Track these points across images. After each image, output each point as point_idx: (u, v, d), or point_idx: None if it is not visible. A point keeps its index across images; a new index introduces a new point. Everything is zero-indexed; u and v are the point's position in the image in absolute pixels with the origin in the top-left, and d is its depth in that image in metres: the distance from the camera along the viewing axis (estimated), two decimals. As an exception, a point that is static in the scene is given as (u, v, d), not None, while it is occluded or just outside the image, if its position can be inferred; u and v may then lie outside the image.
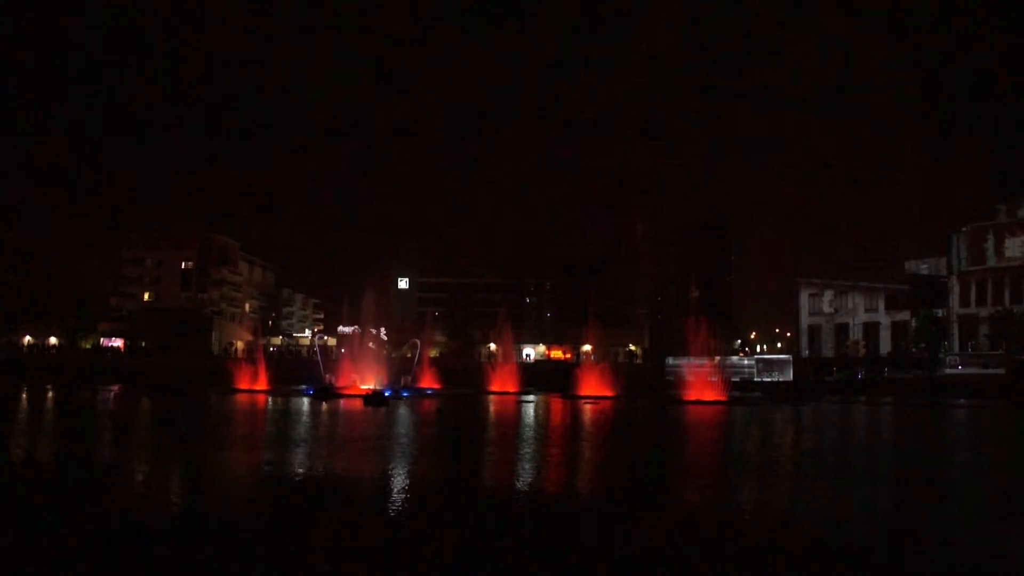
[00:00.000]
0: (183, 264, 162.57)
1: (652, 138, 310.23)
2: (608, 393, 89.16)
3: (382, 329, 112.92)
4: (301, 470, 32.07)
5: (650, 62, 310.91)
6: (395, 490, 27.48)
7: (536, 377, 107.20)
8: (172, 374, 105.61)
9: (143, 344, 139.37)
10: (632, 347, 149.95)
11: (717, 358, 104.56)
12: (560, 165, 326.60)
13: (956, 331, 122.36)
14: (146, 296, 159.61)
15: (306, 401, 77.97)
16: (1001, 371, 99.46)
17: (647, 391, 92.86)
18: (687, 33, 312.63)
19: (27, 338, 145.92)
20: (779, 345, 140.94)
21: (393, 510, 24.06)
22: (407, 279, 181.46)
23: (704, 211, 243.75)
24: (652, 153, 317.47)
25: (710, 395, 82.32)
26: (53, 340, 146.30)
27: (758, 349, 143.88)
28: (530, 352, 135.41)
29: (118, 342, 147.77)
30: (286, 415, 62.13)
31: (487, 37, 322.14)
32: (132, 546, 18.95)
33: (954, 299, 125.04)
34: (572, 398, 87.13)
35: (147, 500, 25.83)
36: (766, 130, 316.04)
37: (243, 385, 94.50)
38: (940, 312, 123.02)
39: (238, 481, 29.97)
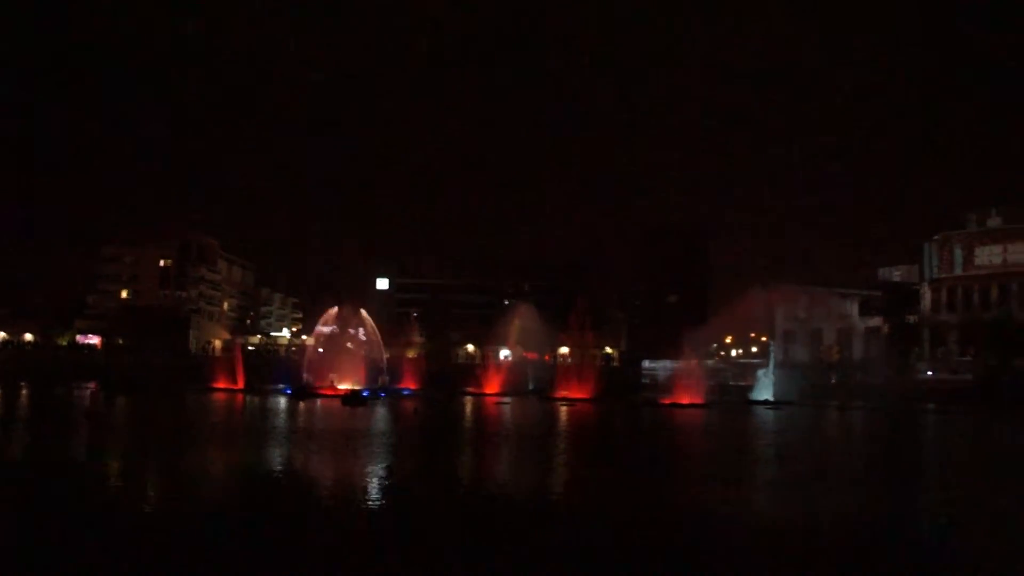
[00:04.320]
0: (162, 262, 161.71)
1: (632, 144, 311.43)
2: (585, 395, 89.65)
3: (361, 329, 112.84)
4: (277, 471, 32.53)
5: (631, 69, 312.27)
6: (365, 491, 27.98)
7: (512, 378, 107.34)
8: (149, 373, 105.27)
9: (120, 342, 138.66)
10: (609, 350, 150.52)
11: (693, 361, 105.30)
12: (541, 168, 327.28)
13: (927, 337, 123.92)
14: (124, 294, 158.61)
15: (283, 401, 78.16)
16: (970, 377, 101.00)
17: (623, 394, 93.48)
18: (669, 39, 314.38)
19: (1, 334, 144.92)
20: (754, 349, 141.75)
21: (364, 510, 24.56)
22: (387, 280, 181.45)
23: (682, 216, 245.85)
24: (632, 158, 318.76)
25: (686, 398, 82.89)
26: (28, 337, 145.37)
27: (733, 353, 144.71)
28: (507, 353, 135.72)
29: (95, 339, 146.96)
30: (263, 415, 62.37)
31: (471, 42, 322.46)
32: (101, 545, 19.22)
33: (925, 306, 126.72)
34: (549, 400, 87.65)
35: (116, 501, 26.11)
36: (743, 138, 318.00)
37: (220, 384, 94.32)
38: (912, 319, 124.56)
39: (210, 483, 30.19)
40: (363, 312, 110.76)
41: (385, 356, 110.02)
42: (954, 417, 74.90)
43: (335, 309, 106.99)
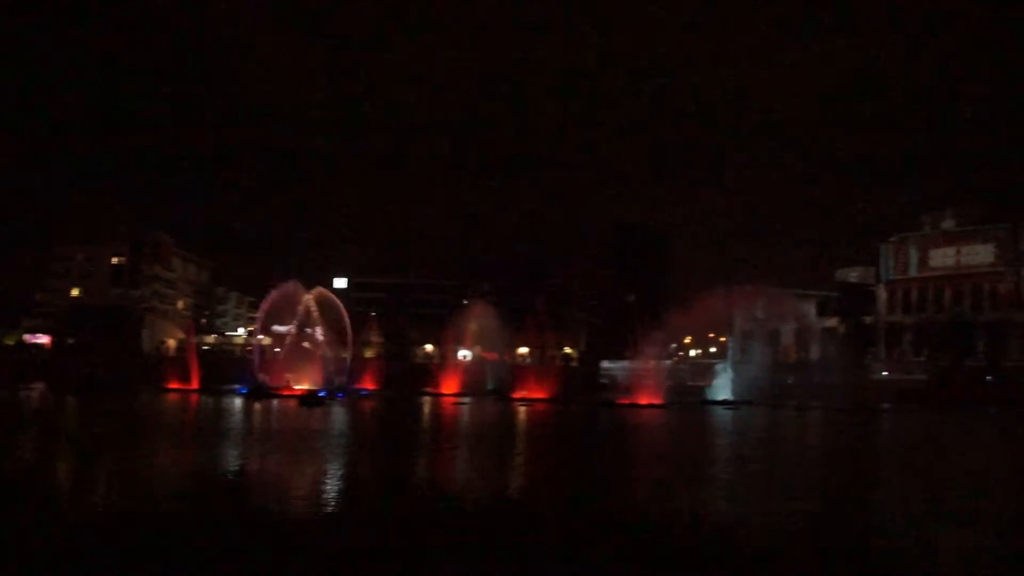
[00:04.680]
0: (115, 260, 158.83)
1: (595, 145, 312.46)
2: (543, 396, 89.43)
3: (318, 329, 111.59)
4: (226, 475, 31.73)
5: (594, 69, 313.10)
6: (317, 495, 27.32)
7: (471, 378, 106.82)
8: (100, 372, 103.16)
9: (70, 341, 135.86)
10: (568, 350, 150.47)
11: (652, 362, 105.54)
12: (502, 168, 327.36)
13: (883, 337, 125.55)
14: (75, 292, 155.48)
15: (239, 401, 76.98)
16: (924, 376, 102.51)
17: (582, 394, 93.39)
18: (629, 40, 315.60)
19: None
20: (713, 350, 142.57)
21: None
22: (345, 279, 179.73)
23: (642, 217, 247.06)
24: (594, 160, 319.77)
25: (644, 399, 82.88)
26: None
27: (692, 354, 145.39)
28: (466, 353, 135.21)
29: (44, 339, 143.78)
30: (217, 417, 61.18)
31: (425, 46, 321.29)
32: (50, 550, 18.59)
33: (881, 306, 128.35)
34: (507, 400, 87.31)
35: (60, 506, 25.17)
36: (703, 140, 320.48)
37: (174, 384, 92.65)
38: (868, 319, 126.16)
39: (156, 487, 29.13)
40: (332, 297, 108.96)
41: (344, 355, 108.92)
42: (907, 417, 75.81)
43: (294, 287, 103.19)
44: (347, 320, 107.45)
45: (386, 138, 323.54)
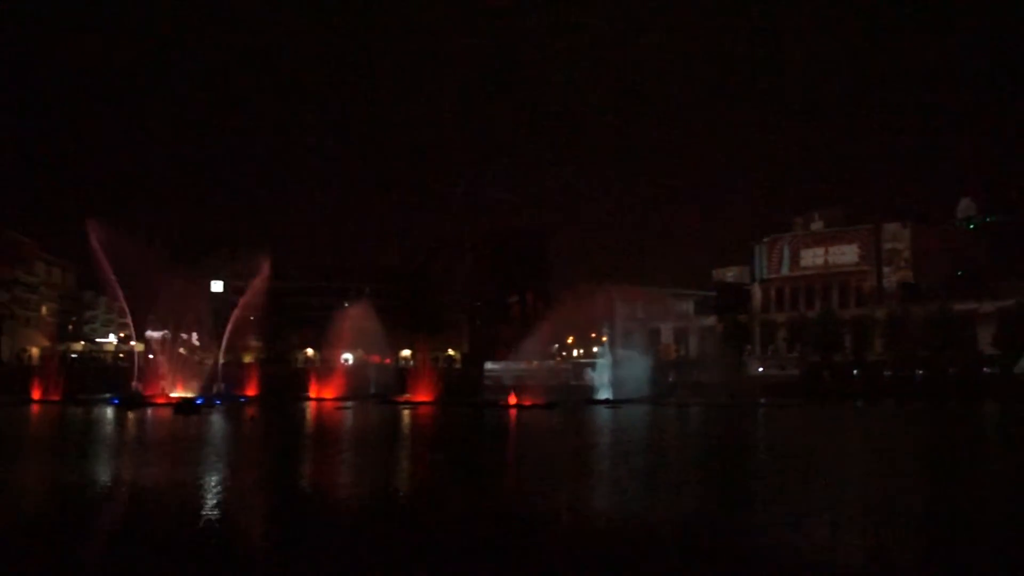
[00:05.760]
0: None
1: (474, 147, 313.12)
2: (427, 398, 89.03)
3: (194, 334, 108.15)
4: (84, 490, 30.17)
5: (467, 72, 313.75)
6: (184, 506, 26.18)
7: (353, 382, 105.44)
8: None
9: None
10: (451, 352, 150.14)
11: (535, 362, 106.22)
12: (382, 170, 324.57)
13: (758, 335, 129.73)
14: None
15: (110, 411, 73.80)
16: (796, 372, 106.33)
17: (465, 396, 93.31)
18: (498, 40, 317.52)
19: None
20: (595, 349, 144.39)
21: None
22: (221, 282, 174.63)
23: (522, 218, 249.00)
24: (473, 162, 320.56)
25: (527, 399, 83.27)
26: None
27: (575, 354, 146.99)
28: (348, 357, 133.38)
29: None
30: (83, 428, 58.39)
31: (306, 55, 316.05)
32: None
33: (756, 305, 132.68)
34: (390, 403, 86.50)
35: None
36: (581, 141, 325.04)
37: (37, 395, 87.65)
38: (744, 317, 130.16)
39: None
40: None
41: (221, 361, 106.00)
42: (780, 411, 78.35)
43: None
44: (261, 282, 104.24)
45: (262, 140, 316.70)
